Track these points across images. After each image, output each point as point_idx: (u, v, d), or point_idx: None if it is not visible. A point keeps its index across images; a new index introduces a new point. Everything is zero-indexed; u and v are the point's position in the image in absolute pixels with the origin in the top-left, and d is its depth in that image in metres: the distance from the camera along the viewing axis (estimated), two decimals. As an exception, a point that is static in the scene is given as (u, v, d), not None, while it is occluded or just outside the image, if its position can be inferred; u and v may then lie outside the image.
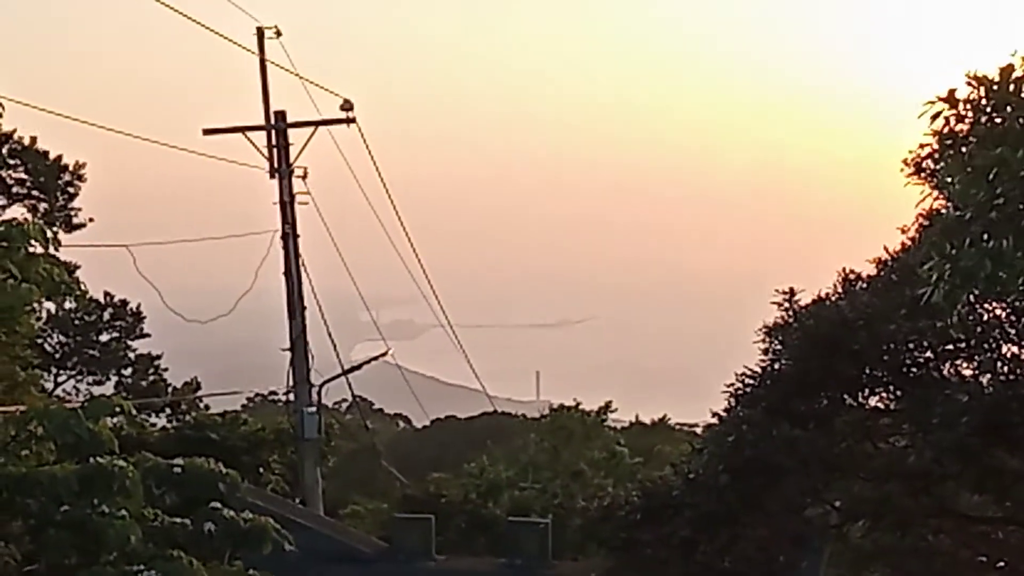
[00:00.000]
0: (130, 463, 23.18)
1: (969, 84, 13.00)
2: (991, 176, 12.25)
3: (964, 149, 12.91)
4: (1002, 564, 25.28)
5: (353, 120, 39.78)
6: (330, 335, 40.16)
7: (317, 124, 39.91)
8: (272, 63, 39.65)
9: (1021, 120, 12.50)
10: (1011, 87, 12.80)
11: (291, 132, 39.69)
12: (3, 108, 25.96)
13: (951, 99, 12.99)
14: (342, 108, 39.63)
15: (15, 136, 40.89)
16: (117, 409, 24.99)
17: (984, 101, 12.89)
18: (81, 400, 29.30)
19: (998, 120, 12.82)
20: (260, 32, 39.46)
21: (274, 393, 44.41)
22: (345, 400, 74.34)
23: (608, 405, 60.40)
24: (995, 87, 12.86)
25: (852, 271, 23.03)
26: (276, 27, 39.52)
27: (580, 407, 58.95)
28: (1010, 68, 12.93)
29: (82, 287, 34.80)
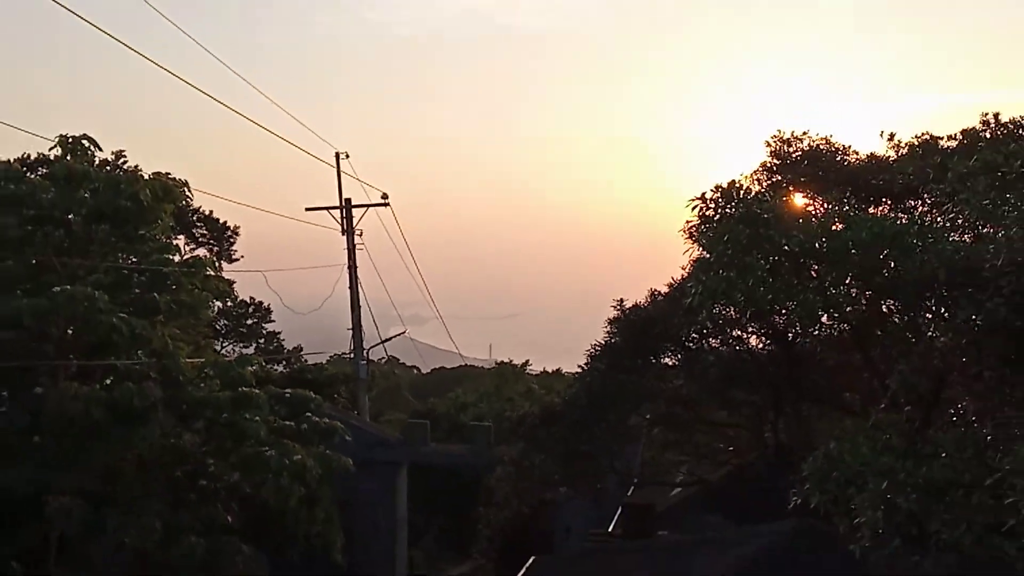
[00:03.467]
0: (260, 392, 23.15)
1: (713, 189, 13.27)
2: (725, 238, 12.55)
3: (714, 224, 13.17)
4: (732, 448, 25.45)
5: (388, 204, 39.78)
6: (374, 321, 40.06)
7: (368, 206, 39.62)
8: (345, 173, 39.65)
9: (740, 210, 12.80)
10: (737, 193, 13.11)
11: (354, 211, 39.58)
12: (191, 191, 25.91)
13: (703, 198, 13.26)
14: (383, 198, 39.66)
15: (201, 210, 40.81)
16: (254, 362, 25.03)
17: (721, 199, 13.16)
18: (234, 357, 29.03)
19: (728, 211, 13.09)
20: (337, 156, 39.43)
21: (344, 353, 44.10)
22: (383, 358, 74.37)
23: (527, 362, 60.90)
24: (726, 192, 13.14)
25: (655, 289, 22.77)
26: (346, 152, 39.54)
27: (512, 362, 59.24)
28: (733, 183, 13.24)
29: (235, 293, 34.79)
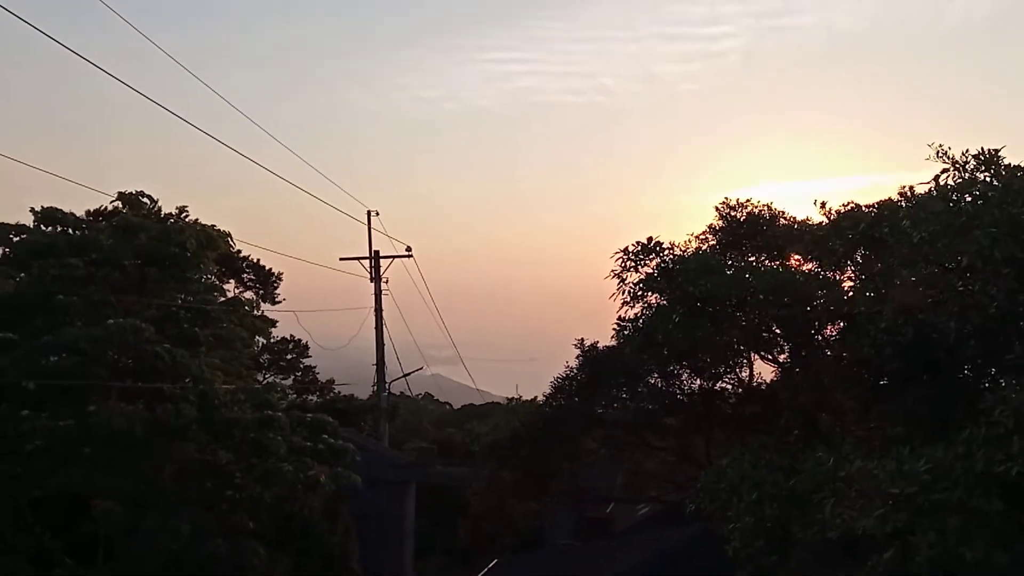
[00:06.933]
0: (282, 415, 23.76)
1: (634, 244, 13.87)
2: (640, 285, 13.18)
3: (637, 270, 13.74)
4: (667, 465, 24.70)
5: (411, 256, 40.79)
6: (397, 359, 40.76)
7: (394, 257, 40.66)
8: (375, 229, 40.74)
9: (658, 265, 13.41)
10: (654, 248, 13.72)
11: (382, 261, 40.52)
12: (233, 241, 26.96)
13: (624, 250, 13.92)
14: (407, 250, 40.66)
15: (250, 258, 41.87)
16: (279, 389, 25.76)
17: (641, 252, 13.80)
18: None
19: (647, 262, 13.70)
20: (368, 213, 40.57)
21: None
22: (420, 394, 75.10)
23: (535, 397, 60.64)
24: (641, 248, 13.78)
25: (617, 324, 22.29)
26: (377, 210, 40.70)
27: (522, 398, 59.05)
28: (651, 239, 13.90)
29: (271, 331, 35.67)
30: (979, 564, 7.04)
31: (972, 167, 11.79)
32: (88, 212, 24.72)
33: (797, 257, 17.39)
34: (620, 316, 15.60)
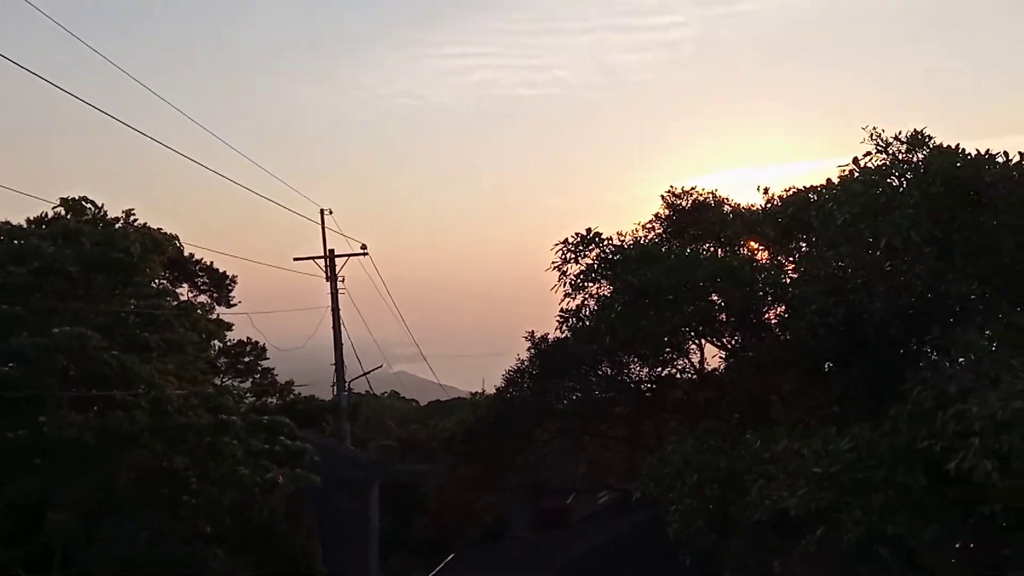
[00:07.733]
0: (236, 418, 23.54)
1: (576, 235, 13.93)
2: (580, 277, 13.24)
3: (578, 263, 13.79)
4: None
5: (367, 254, 40.57)
6: (357, 358, 40.69)
7: (349, 255, 40.50)
8: (329, 229, 40.49)
9: (599, 255, 13.47)
10: (594, 238, 13.77)
11: (337, 260, 40.22)
12: (181, 244, 26.52)
13: (565, 242, 13.98)
14: (362, 248, 40.41)
15: (203, 261, 41.08)
16: (238, 394, 25.44)
17: (580, 244, 13.86)
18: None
19: (587, 253, 13.77)
20: (322, 212, 40.26)
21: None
22: (384, 392, 74.43)
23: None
24: (581, 239, 13.83)
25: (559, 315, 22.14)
26: (330, 209, 40.40)
27: (484, 393, 58.93)
28: (590, 230, 13.95)
29: (226, 334, 35.15)
30: (902, 538, 7.18)
31: (898, 148, 11.96)
32: (29, 220, 24.17)
33: (753, 244, 17.48)
34: (562, 307, 15.76)
